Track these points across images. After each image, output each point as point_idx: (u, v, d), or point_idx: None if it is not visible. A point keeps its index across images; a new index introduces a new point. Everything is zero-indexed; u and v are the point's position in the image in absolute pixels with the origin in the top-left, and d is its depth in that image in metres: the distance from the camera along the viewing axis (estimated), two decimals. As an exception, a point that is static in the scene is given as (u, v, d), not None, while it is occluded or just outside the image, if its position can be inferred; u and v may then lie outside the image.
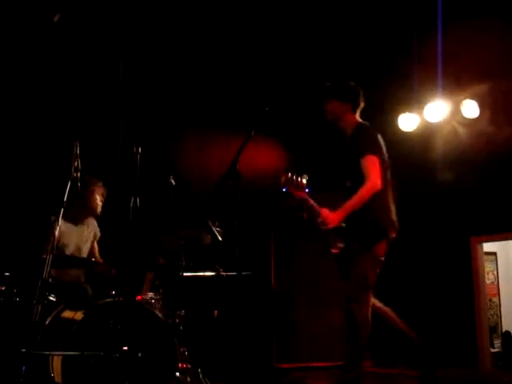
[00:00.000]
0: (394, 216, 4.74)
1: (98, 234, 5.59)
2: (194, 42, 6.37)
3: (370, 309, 4.57)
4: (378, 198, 4.57)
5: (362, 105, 4.95)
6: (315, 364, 6.27)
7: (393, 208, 4.76)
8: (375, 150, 4.66)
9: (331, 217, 4.60)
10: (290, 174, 4.78)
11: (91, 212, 5.44)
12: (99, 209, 5.46)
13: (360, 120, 4.91)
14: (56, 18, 4.30)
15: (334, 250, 4.76)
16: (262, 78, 4.84)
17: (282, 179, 4.79)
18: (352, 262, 4.59)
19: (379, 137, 4.80)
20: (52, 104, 5.95)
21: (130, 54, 5.42)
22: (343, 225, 4.64)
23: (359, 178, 4.58)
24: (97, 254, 5.56)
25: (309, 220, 4.80)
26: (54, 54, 5.59)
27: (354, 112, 4.91)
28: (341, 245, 4.71)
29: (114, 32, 5.49)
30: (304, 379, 5.89)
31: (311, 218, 4.77)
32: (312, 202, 4.75)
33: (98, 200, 5.43)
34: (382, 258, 4.64)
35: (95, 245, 5.58)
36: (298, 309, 6.38)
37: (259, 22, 6.48)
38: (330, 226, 4.60)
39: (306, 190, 4.82)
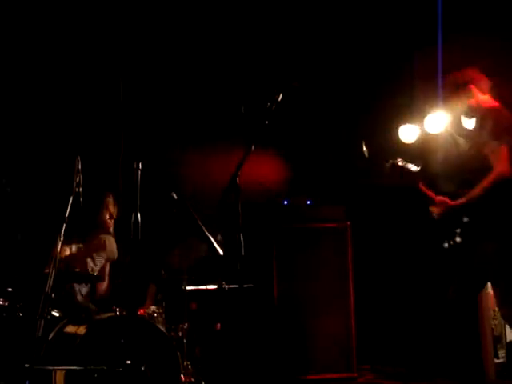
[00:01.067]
0: None
1: (114, 257, 5.45)
2: (193, 57, 6.41)
3: None
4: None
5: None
6: (321, 376, 6.25)
7: None
8: None
9: (443, 202, 4.36)
10: (397, 162, 4.58)
11: (101, 227, 5.44)
12: (109, 225, 5.45)
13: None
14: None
15: (445, 244, 4.44)
16: (261, 91, 4.87)
17: (387, 166, 4.54)
18: (491, 265, 4.23)
19: None
20: (54, 120, 5.98)
21: (130, 69, 5.48)
22: (466, 219, 4.35)
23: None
24: (107, 271, 5.51)
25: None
26: (55, 70, 5.64)
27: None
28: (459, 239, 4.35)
29: (113, 48, 5.54)
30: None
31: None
32: (425, 189, 4.51)
33: (108, 216, 5.45)
34: None
35: (106, 267, 5.46)
36: (301, 322, 6.37)
37: (258, 35, 6.52)
38: (439, 211, 4.37)
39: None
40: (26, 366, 3.70)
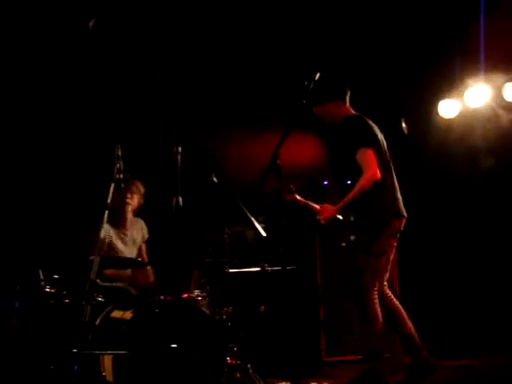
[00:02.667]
0: (399, 204, 4.77)
1: (146, 236, 5.64)
2: (231, 39, 6.37)
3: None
4: (379, 188, 4.59)
5: (348, 92, 4.92)
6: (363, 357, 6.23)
7: (398, 196, 4.78)
8: (369, 142, 4.65)
9: (326, 209, 4.72)
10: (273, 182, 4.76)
11: (133, 212, 5.51)
12: (132, 208, 5.51)
13: (352, 111, 4.88)
14: (91, 24, 4.35)
15: (342, 244, 4.79)
16: (298, 73, 4.82)
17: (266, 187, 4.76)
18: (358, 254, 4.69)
19: (374, 126, 4.76)
20: (93, 108, 6.02)
21: (168, 53, 5.47)
22: (352, 218, 4.69)
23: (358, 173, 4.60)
24: (144, 255, 5.61)
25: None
26: (92, 58, 5.67)
27: (345, 104, 4.90)
28: (352, 237, 4.74)
29: (150, 32, 5.53)
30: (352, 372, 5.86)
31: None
32: (304, 201, 4.87)
33: (136, 200, 5.49)
34: (389, 248, 4.69)
35: (143, 247, 5.62)
36: (343, 303, 6.34)
37: (297, 10, 6.43)
38: (324, 217, 4.71)
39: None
40: (75, 351, 3.74)
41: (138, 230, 5.56)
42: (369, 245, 4.63)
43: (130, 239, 5.47)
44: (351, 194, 4.59)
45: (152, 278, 5.46)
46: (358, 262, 4.68)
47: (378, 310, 4.63)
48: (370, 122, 4.80)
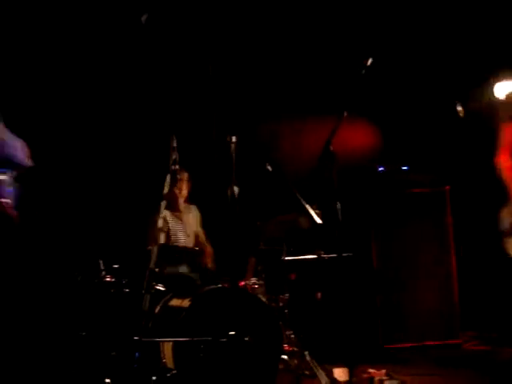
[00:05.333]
0: None
1: (200, 219, 5.71)
2: (283, 29, 6.36)
3: None
4: None
5: None
6: (421, 343, 6.18)
7: None
8: None
9: None
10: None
11: (185, 199, 5.60)
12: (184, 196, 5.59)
13: None
14: (143, 18, 4.41)
15: None
16: (351, 57, 4.79)
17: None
18: None
19: None
20: (148, 101, 6.11)
21: (221, 44, 5.50)
22: None
23: None
24: (203, 238, 5.69)
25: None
26: (146, 51, 5.74)
27: None
28: None
29: (202, 26, 5.57)
30: (411, 358, 5.82)
31: None
32: None
33: (184, 187, 5.56)
34: None
35: (201, 232, 5.69)
36: (400, 290, 6.30)
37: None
38: None
39: None
40: (135, 338, 3.83)
41: (192, 216, 5.64)
42: None
43: (187, 224, 5.54)
44: None
45: (212, 263, 5.53)
46: None
47: None
48: None
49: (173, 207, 5.42)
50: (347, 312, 4.73)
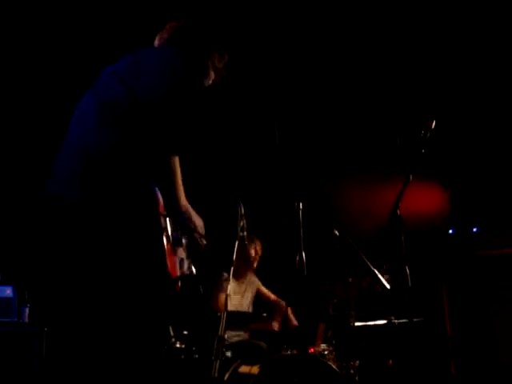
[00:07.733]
0: None
1: (258, 287, 5.79)
2: (346, 93, 6.44)
3: None
4: None
5: None
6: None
7: None
8: None
9: None
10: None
11: (249, 266, 5.66)
12: (255, 263, 5.69)
13: None
14: None
15: None
16: (414, 120, 4.80)
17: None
18: None
19: None
20: (216, 169, 6.23)
21: (284, 110, 5.60)
22: None
23: None
24: (272, 296, 5.72)
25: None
26: (212, 119, 5.88)
27: None
28: None
29: (267, 91, 5.68)
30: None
31: None
32: None
33: (253, 254, 5.64)
34: None
35: (265, 291, 5.76)
36: (476, 355, 6.09)
37: (409, 62, 6.40)
38: None
39: None
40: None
41: (252, 283, 5.71)
42: None
43: (246, 292, 5.61)
44: None
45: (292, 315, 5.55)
46: None
47: None
48: None
49: (235, 273, 5.48)
50: (420, 379, 4.60)
